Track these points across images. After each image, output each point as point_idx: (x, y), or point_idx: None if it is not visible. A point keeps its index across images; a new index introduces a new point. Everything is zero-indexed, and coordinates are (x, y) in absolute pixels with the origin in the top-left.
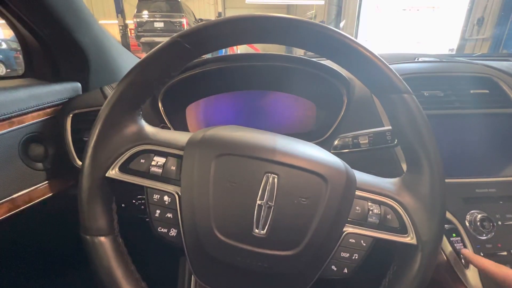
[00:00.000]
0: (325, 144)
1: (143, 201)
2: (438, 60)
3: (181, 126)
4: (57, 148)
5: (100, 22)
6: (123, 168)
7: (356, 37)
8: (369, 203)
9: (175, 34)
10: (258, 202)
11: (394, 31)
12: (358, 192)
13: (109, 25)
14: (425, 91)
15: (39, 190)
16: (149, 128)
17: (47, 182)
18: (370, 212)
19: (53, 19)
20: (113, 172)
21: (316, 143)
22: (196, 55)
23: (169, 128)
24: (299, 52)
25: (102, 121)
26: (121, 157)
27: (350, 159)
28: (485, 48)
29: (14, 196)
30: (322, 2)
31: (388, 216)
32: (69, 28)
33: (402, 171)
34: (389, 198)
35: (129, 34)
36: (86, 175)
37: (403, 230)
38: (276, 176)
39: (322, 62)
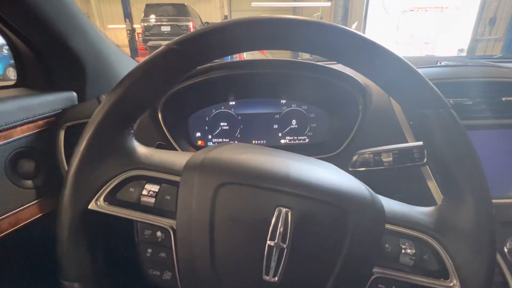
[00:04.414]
0: (341, 158)
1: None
2: (463, 64)
3: (183, 137)
4: (49, 164)
5: (109, 26)
6: (110, 199)
7: None
8: (401, 240)
9: (170, 41)
10: (269, 242)
11: (401, 32)
12: (387, 226)
13: (117, 30)
14: (451, 99)
15: (27, 210)
16: (141, 150)
17: (37, 201)
18: (403, 250)
19: (44, 25)
20: (98, 204)
21: (331, 157)
22: (196, 64)
23: (165, 146)
24: (305, 56)
25: (85, 144)
26: (107, 185)
27: (370, 177)
28: (498, 48)
29: None
30: (329, 4)
31: (424, 256)
32: (63, 34)
33: (429, 190)
34: (425, 234)
35: (137, 38)
36: (65, 209)
37: (443, 274)
38: (289, 210)
39: (333, 67)
